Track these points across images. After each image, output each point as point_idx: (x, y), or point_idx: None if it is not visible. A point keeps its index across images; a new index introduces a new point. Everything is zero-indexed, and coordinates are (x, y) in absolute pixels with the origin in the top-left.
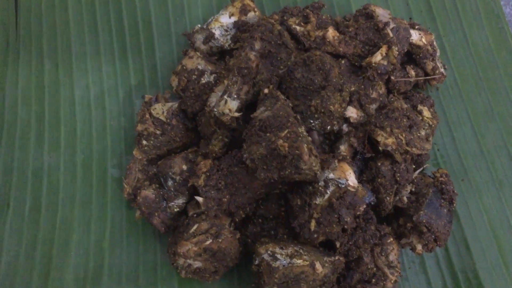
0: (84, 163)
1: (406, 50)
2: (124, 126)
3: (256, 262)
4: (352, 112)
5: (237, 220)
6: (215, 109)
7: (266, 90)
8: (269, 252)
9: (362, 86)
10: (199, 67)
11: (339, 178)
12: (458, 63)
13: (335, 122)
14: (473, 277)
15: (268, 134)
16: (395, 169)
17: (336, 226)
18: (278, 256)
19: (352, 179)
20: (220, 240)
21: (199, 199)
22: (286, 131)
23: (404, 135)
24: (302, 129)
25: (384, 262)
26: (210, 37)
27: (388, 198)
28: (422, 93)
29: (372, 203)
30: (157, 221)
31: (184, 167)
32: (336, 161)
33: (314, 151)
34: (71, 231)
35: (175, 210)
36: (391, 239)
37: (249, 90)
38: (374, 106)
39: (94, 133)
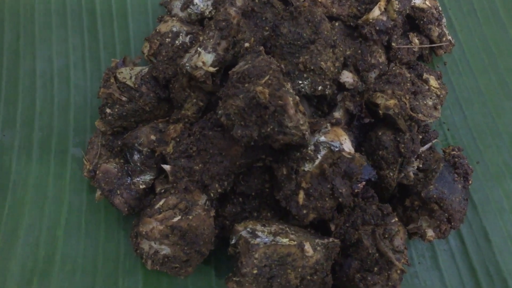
0: (42, 142)
1: (407, 11)
2: (91, 102)
3: (233, 241)
4: (347, 77)
5: (212, 195)
6: (187, 64)
7: (247, 44)
8: (248, 229)
9: (359, 51)
10: (174, 29)
11: (332, 141)
12: (467, 37)
13: (327, 83)
14: (494, 272)
15: (246, 85)
16: (398, 139)
17: (330, 200)
18: (259, 233)
19: (347, 145)
20: (190, 218)
21: (166, 167)
22: (267, 77)
23: (408, 98)
24: (288, 85)
25: (388, 246)
26: (188, 2)
27: (391, 174)
28: (427, 67)
29: (373, 179)
30: (119, 200)
31: (153, 137)
32: (328, 124)
33: (301, 108)
34: (21, 217)
35: (141, 187)
36: (396, 219)
37: (228, 48)
38: (373, 74)
39: (56, 110)
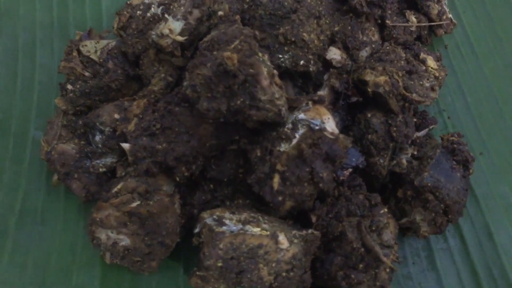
0: (0, 123)
1: None
2: (57, 82)
3: (197, 230)
4: (335, 54)
5: (178, 179)
6: (153, 32)
7: (221, 13)
8: (214, 216)
9: (349, 27)
10: (146, 0)
11: (312, 119)
12: (471, 19)
13: (310, 57)
14: (499, 275)
15: (215, 52)
16: (390, 122)
17: (308, 186)
18: (227, 221)
19: (330, 124)
20: (151, 203)
21: (125, 145)
22: (236, 42)
23: (401, 75)
24: (265, 56)
25: (376, 240)
26: None
27: (381, 161)
28: (426, 48)
29: (361, 166)
30: (76, 185)
31: (116, 116)
32: (310, 102)
33: (278, 80)
34: None
35: (101, 170)
36: (385, 210)
37: (201, 18)
38: (364, 53)
39: (18, 89)
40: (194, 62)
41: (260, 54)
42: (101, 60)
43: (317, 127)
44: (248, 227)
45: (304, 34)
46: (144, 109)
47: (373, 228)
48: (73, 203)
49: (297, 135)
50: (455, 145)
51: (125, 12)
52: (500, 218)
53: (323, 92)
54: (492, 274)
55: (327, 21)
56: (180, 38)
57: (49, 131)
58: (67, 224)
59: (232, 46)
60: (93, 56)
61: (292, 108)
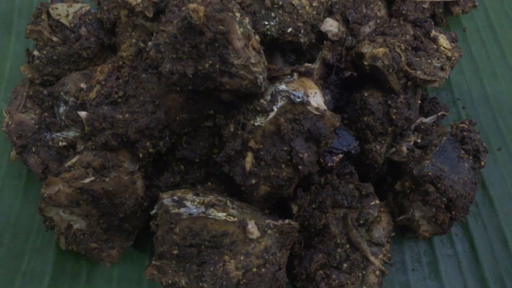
0: None
1: None
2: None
3: (154, 211)
4: (331, 25)
5: (141, 155)
6: None
7: None
8: (175, 197)
9: None
10: None
11: (294, 91)
12: (495, 1)
13: (299, 25)
14: None
15: (183, 8)
16: (389, 102)
17: (286, 168)
18: (188, 203)
19: (317, 99)
20: (106, 180)
21: (82, 114)
22: None
23: (403, 48)
24: (246, 19)
25: (364, 236)
26: None
27: (378, 148)
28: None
29: (353, 152)
30: (34, 160)
31: (83, 85)
32: (296, 74)
33: (255, 44)
34: None
35: (60, 144)
36: (377, 201)
37: None
38: (367, 29)
39: None
40: (162, 21)
41: (237, 14)
42: (71, 25)
43: (298, 99)
44: (211, 210)
45: None
46: (108, 75)
47: (361, 222)
48: (36, 182)
49: (275, 108)
50: (465, 133)
51: None
52: None
53: (314, 65)
54: (504, 285)
55: None
56: None
57: (13, 101)
58: (25, 205)
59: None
60: (63, 21)
61: (273, 79)
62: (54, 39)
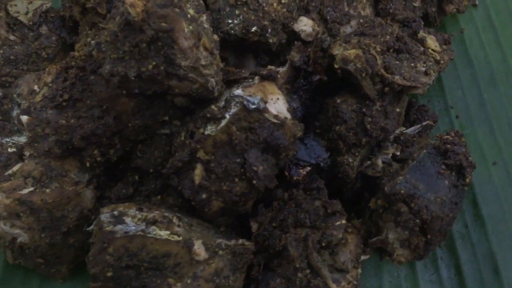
0: None
1: None
2: None
3: (91, 227)
4: (305, 25)
5: (88, 164)
6: None
7: None
8: (115, 212)
9: None
10: None
11: (250, 96)
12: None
13: (266, 23)
14: None
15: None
16: (364, 110)
17: (240, 182)
18: (127, 219)
19: (277, 106)
20: (47, 191)
21: (23, 118)
22: None
23: (379, 50)
24: (203, 17)
25: (327, 260)
26: None
27: (350, 160)
28: (433, 30)
29: (322, 164)
30: None
31: (36, 87)
32: (257, 78)
33: (207, 43)
34: None
35: (10, 150)
36: (342, 221)
37: None
38: (347, 29)
39: None
40: (106, 20)
41: (190, 11)
42: (31, 23)
43: (253, 106)
44: (152, 228)
45: None
46: (56, 76)
47: (324, 244)
48: None
49: (227, 115)
50: (449, 146)
51: None
52: (510, 248)
53: (281, 69)
54: None
55: None
56: None
57: None
58: None
59: None
60: (22, 18)
61: (231, 83)
62: (12, 37)
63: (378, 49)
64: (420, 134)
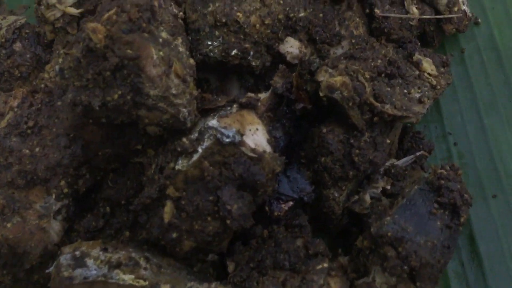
0: None
1: None
2: None
3: (50, 269)
4: (291, 46)
5: (54, 196)
6: (44, 1)
7: None
8: (77, 252)
9: (321, 15)
10: None
11: (225, 128)
12: (501, 18)
13: (247, 46)
14: None
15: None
16: (352, 141)
17: (213, 221)
18: (90, 261)
19: (256, 138)
20: (8, 226)
21: None
22: (113, 10)
23: (368, 77)
24: (178, 39)
25: None
26: None
27: (336, 195)
28: (431, 50)
29: (306, 199)
30: None
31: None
32: (235, 106)
33: (180, 70)
34: None
35: None
36: (324, 264)
37: None
38: (338, 50)
39: None
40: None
41: (163, 34)
42: (3, 40)
43: (227, 140)
44: (116, 272)
45: (239, 13)
46: (22, 100)
47: None
48: None
49: (200, 149)
50: (443, 181)
51: None
52: None
53: (263, 94)
54: None
55: (283, 1)
56: (72, 11)
57: None
58: None
59: (106, 16)
60: None
61: (207, 112)
62: None
63: (367, 76)
64: (413, 166)
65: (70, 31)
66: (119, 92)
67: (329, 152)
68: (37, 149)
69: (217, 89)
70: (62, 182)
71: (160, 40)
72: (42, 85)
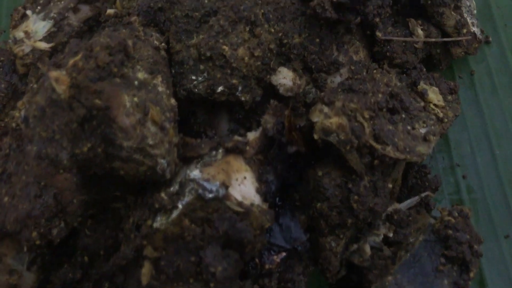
0: None
1: None
2: None
3: None
4: (285, 77)
5: (25, 249)
6: (11, 36)
7: (110, 11)
8: None
9: (317, 40)
10: None
11: (207, 181)
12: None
13: (234, 82)
14: None
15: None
16: (350, 186)
17: (196, 282)
18: None
19: (244, 189)
20: None
21: None
22: (78, 57)
23: (367, 117)
24: (157, 78)
25: None
26: None
27: (333, 244)
28: (437, 74)
29: (300, 248)
30: None
31: None
32: (221, 151)
33: (157, 117)
34: None
35: None
36: None
37: (96, 17)
38: (337, 78)
39: None
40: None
41: (139, 75)
42: None
43: (210, 195)
44: None
45: (225, 47)
46: None
47: None
48: None
49: (180, 205)
50: (450, 231)
51: (20, 8)
52: None
53: (253, 134)
54: None
55: (273, 29)
56: (42, 45)
57: None
58: None
59: (72, 62)
60: None
61: (189, 160)
62: None
63: (367, 116)
64: (418, 210)
65: (42, 67)
66: (89, 145)
67: (325, 197)
68: (5, 199)
69: (204, 122)
70: (34, 234)
71: (136, 82)
72: (14, 124)
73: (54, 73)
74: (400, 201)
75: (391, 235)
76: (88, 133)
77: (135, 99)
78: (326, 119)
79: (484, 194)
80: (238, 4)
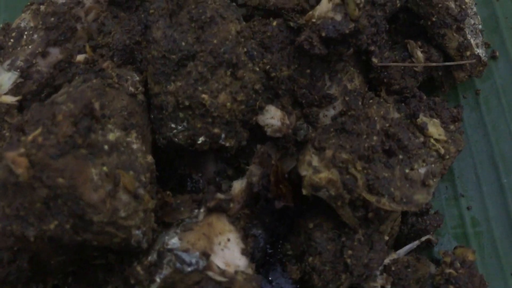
0: None
1: (399, 4)
2: None
3: None
4: (273, 117)
5: None
6: None
7: (79, 58)
8: None
9: (308, 71)
10: (22, 24)
11: (186, 251)
12: None
13: (216, 131)
14: None
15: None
16: (343, 239)
17: None
18: None
19: (228, 253)
20: None
21: None
22: (38, 131)
23: (361, 168)
24: (131, 133)
25: None
26: None
27: None
28: (439, 99)
29: None
30: None
31: None
32: (202, 210)
33: (130, 185)
34: None
35: None
36: None
37: (67, 60)
38: (330, 112)
39: None
40: None
41: (112, 135)
42: None
43: (189, 268)
44: None
45: (204, 95)
46: None
47: None
48: None
49: (157, 279)
50: (451, 284)
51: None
52: None
53: (239, 184)
54: None
55: (257, 68)
56: (8, 100)
57: None
58: None
59: (30, 137)
60: None
61: (166, 224)
62: None
63: (359, 168)
64: (418, 257)
65: (9, 120)
66: (56, 222)
67: (317, 252)
68: None
69: (189, 164)
70: None
71: (106, 147)
72: None
73: (10, 154)
74: (399, 240)
75: (388, 287)
76: (54, 211)
77: (104, 168)
78: (315, 174)
79: (491, 227)
80: (217, 48)
